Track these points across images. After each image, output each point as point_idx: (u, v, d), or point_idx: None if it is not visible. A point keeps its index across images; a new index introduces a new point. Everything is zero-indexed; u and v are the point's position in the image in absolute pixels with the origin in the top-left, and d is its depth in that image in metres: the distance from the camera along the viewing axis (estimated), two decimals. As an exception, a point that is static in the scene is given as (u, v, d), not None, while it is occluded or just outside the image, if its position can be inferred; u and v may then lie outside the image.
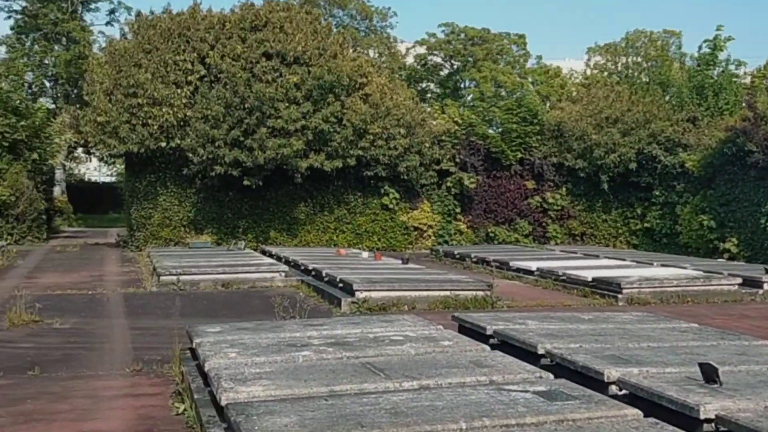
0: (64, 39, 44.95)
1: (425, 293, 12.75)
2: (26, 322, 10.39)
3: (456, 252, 21.14)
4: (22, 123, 25.32)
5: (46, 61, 45.11)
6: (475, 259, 19.49)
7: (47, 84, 46.54)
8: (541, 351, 7.06)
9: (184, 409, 6.10)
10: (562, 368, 6.66)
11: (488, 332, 8.05)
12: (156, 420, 5.97)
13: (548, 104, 37.81)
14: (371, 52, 45.26)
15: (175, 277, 14.57)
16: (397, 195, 24.87)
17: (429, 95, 50.23)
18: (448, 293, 12.83)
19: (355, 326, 7.80)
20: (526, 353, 7.19)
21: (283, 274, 15.58)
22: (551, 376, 6.06)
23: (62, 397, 6.69)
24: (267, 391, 5.26)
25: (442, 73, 53.39)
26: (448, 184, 25.40)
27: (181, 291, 14.10)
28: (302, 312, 10.26)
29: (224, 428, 5.11)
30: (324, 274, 14.60)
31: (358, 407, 4.85)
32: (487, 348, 7.03)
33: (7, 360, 8.18)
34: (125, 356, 8.50)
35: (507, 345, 7.68)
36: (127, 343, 9.29)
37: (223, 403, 5.11)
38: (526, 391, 5.41)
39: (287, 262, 17.67)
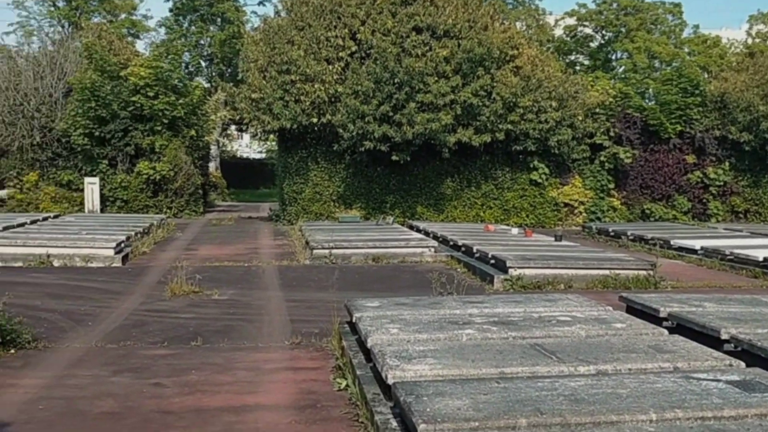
0: (218, 19, 46.58)
1: (583, 272, 12.15)
2: (187, 292, 10.68)
3: (610, 229, 20.20)
4: (181, 101, 26.32)
5: (202, 42, 46.93)
6: (631, 237, 18.55)
7: (203, 63, 48.46)
8: (724, 336, 6.47)
9: (346, 385, 5.95)
10: (750, 355, 6.06)
11: (662, 314, 7.48)
12: (318, 395, 5.84)
13: (706, 75, 35.55)
14: (518, 25, 44.08)
15: (327, 251, 14.67)
16: (546, 170, 24.09)
17: (578, 68, 48.46)
18: (607, 272, 12.19)
19: (517, 305, 7.42)
20: (705, 338, 6.60)
21: (432, 249, 15.37)
22: (742, 364, 5.48)
23: (225, 368, 6.71)
24: (434, 371, 5.00)
25: (592, 44, 51.40)
26: (602, 158, 24.36)
27: (333, 264, 14.18)
28: (457, 288, 9.97)
29: (391, 407, 4.90)
30: (475, 251, 14.25)
31: (533, 392, 4.50)
32: (665, 331, 6.48)
33: (171, 330, 8.37)
34: (283, 328, 8.51)
35: (683, 328, 7.09)
36: (284, 316, 9.32)
37: (390, 381, 4.90)
38: (718, 380, 4.90)
39: (435, 237, 17.42)
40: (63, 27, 42.81)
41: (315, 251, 14.78)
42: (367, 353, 6.08)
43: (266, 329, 8.51)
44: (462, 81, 21.50)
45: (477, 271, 13.00)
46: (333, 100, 22.29)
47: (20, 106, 26.49)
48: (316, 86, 21.98)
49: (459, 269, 13.65)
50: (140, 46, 46.39)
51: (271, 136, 26.68)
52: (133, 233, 16.86)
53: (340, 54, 22.45)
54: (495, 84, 21.94)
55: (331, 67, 22.26)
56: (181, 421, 5.23)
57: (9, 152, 26.88)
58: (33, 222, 19.31)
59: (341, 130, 22.00)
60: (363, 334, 6.22)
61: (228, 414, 5.40)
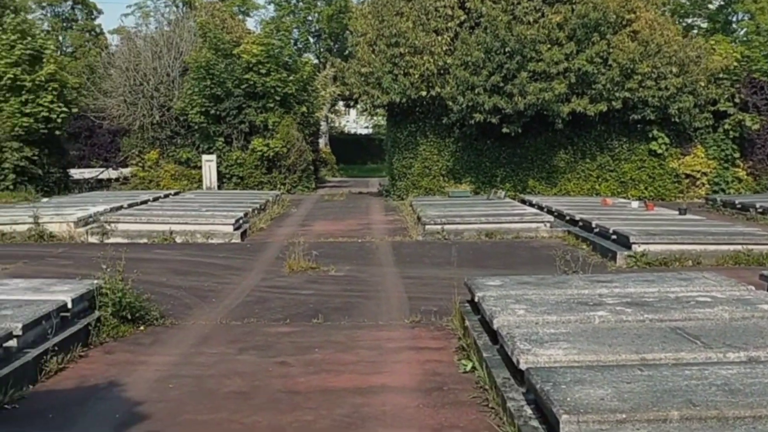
0: (326, -6, 46.80)
1: (712, 247, 11.52)
2: (304, 268, 10.75)
3: (737, 201, 19.12)
4: (291, 77, 26.59)
5: (310, 18, 47.28)
6: (761, 210, 17.49)
7: (311, 40, 48.87)
8: None
9: (472, 367, 5.77)
10: None
11: (809, 295, 6.93)
12: (444, 377, 5.69)
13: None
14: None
15: (439, 227, 14.49)
16: (666, 140, 23.02)
17: (695, 31, 46.09)
18: (739, 247, 11.53)
19: (649, 284, 7.04)
20: None
21: (547, 224, 14.96)
22: None
23: (347, 347, 6.66)
24: (569, 356, 4.76)
25: (710, 6, 48.72)
26: (726, 126, 23.06)
27: (445, 240, 14.00)
28: (579, 266, 9.60)
29: (523, 393, 4.70)
30: (594, 225, 13.74)
31: (681, 381, 4.20)
32: (818, 315, 5.98)
33: (291, 307, 8.42)
34: (401, 306, 8.41)
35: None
36: (401, 293, 9.23)
37: (523, 366, 4.69)
38: None
39: (549, 211, 16.96)
40: (177, 7, 43.97)
41: (427, 227, 14.63)
42: (492, 334, 5.89)
43: (385, 306, 8.43)
44: (576, 48, 20.74)
45: (597, 247, 12.54)
46: (442, 72, 21.97)
47: (140, 86, 27.44)
48: (424, 58, 21.70)
49: (579, 245, 13.21)
50: (250, 24, 47.27)
51: (380, 110, 26.59)
52: (250, 209, 17.16)
53: (449, 24, 22.07)
54: (611, 50, 21.06)
55: (440, 38, 21.91)
56: (308, 402, 5.20)
57: (131, 131, 27.98)
58: (155, 199, 20.03)
59: (450, 103, 21.68)
60: (487, 314, 6.02)
61: (354, 395, 5.33)
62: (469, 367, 5.81)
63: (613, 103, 21.40)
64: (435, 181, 23.42)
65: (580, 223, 14.80)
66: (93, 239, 14.12)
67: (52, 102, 25.12)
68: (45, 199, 21.14)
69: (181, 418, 4.95)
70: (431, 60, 21.67)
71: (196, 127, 26.56)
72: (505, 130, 21.56)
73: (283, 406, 5.14)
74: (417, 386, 5.51)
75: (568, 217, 15.88)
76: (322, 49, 48.18)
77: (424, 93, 22.01)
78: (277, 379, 5.74)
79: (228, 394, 5.39)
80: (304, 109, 27.32)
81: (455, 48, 21.78)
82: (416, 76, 21.77)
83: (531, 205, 18.80)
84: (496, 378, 5.05)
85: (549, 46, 20.65)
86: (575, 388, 4.07)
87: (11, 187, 24.90)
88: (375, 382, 5.63)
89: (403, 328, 7.37)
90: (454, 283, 7.92)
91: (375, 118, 46.08)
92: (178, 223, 14.48)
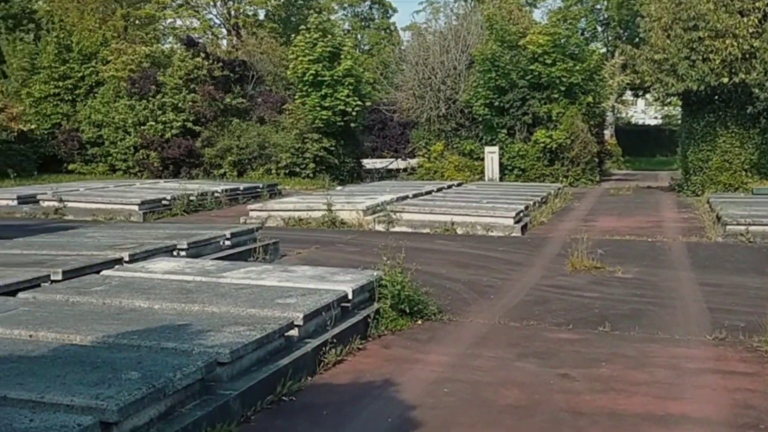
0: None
1: None
2: (588, 268, 10.09)
3: None
4: (577, 67, 25.76)
5: (598, 6, 45.75)
6: None
7: (599, 28, 47.26)
8: None
9: (796, 403, 4.89)
10: None
11: None
12: (759, 411, 4.84)
13: None
14: None
15: (743, 227, 13.00)
16: None
17: None
18: None
19: None
20: None
21: None
22: None
23: (639, 363, 5.98)
24: None
25: None
26: None
27: (750, 243, 12.52)
28: None
29: None
30: None
31: None
32: None
33: (574, 310, 7.86)
34: (700, 318, 7.50)
35: None
36: (698, 302, 8.25)
37: None
38: None
39: None
40: (466, 1, 44.70)
41: (728, 227, 13.20)
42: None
43: (680, 317, 7.57)
44: None
45: None
46: (747, 56, 19.81)
47: (428, 80, 28.22)
48: (727, 42, 19.71)
49: None
50: (536, 15, 46.75)
51: (673, 99, 24.77)
52: (530, 202, 16.76)
53: (757, 4, 19.84)
54: None
55: (745, 19, 19.78)
56: (594, 427, 4.66)
57: (419, 124, 28.97)
58: (439, 190, 20.37)
59: (757, 90, 19.51)
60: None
61: (648, 424, 4.69)
62: (790, 403, 4.93)
63: None
64: (736, 177, 21.25)
65: None
66: (379, 227, 14.57)
67: (348, 96, 26.72)
68: (339, 188, 22.47)
69: (453, 430, 4.67)
70: (735, 43, 19.63)
71: (480, 119, 26.77)
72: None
73: (565, 428, 4.66)
74: (725, 420, 4.74)
75: None
76: (610, 37, 46.43)
77: (725, 80, 20.02)
78: (558, 394, 5.26)
79: (504, 408, 5.02)
80: (589, 99, 26.37)
81: (763, 30, 19.55)
82: (717, 62, 19.85)
83: None
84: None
85: None
86: None
87: (311, 175, 26.93)
88: (673, 409, 4.93)
89: (704, 346, 6.51)
90: (760, 293, 6.87)
91: (667, 107, 43.42)
92: (459, 215, 14.45)
